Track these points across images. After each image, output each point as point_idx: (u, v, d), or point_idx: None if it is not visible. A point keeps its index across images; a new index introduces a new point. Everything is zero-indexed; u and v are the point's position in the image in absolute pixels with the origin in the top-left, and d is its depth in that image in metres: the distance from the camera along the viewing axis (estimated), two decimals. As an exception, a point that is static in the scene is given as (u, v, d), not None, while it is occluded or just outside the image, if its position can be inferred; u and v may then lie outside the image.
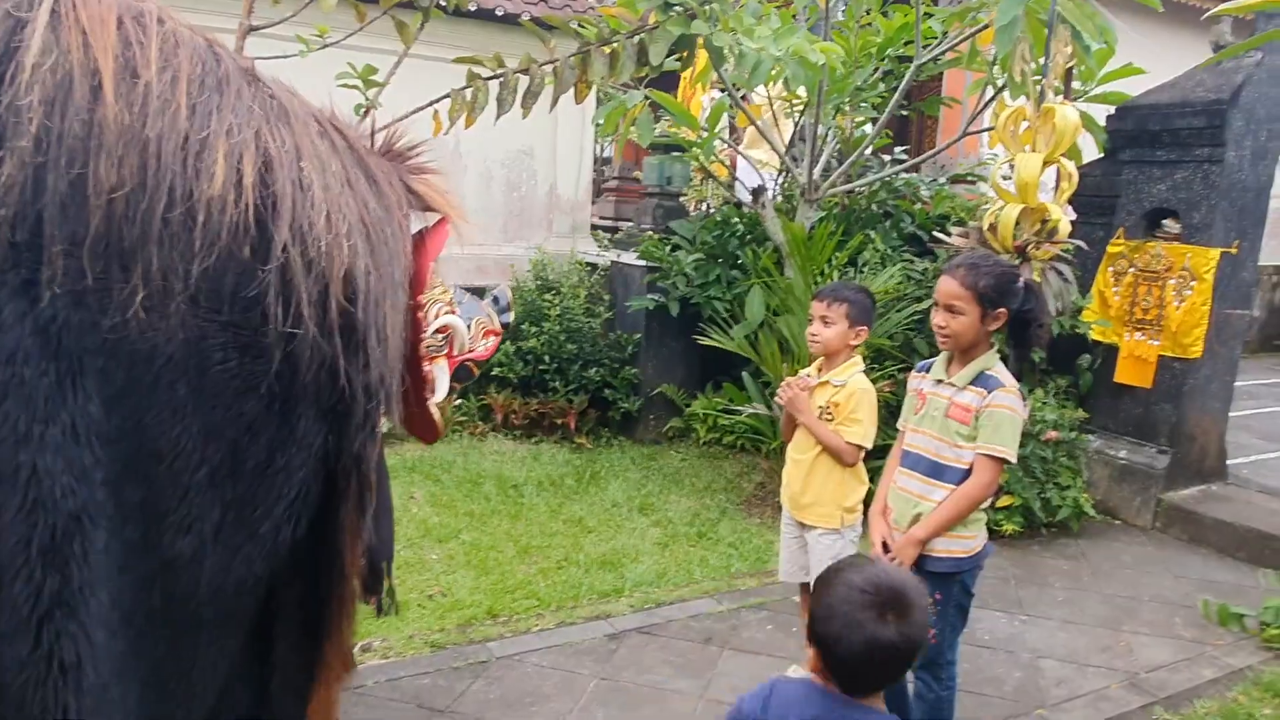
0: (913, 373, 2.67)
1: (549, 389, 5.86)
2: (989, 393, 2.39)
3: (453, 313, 1.44)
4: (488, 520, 4.50)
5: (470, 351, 1.50)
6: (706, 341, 5.15)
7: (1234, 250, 4.79)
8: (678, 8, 3.39)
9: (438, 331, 1.41)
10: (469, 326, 1.49)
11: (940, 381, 2.51)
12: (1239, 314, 5.01)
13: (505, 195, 6.77)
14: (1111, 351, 5.08)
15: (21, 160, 0.83)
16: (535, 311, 5.89)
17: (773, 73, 4.04)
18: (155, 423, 0.92)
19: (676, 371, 6.09)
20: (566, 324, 5.84)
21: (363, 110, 3.32)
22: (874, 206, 6.29)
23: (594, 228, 8.63)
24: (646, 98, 5.27)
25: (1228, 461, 5.25)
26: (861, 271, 5.16)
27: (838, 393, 2.88)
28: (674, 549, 4.30)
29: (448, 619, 3.46)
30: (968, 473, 2.41)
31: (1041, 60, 4.64)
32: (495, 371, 5.85)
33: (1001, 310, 2.38)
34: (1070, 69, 4.68)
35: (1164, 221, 5.01)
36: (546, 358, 5.79)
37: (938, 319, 2.44)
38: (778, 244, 5.48)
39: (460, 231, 1.41)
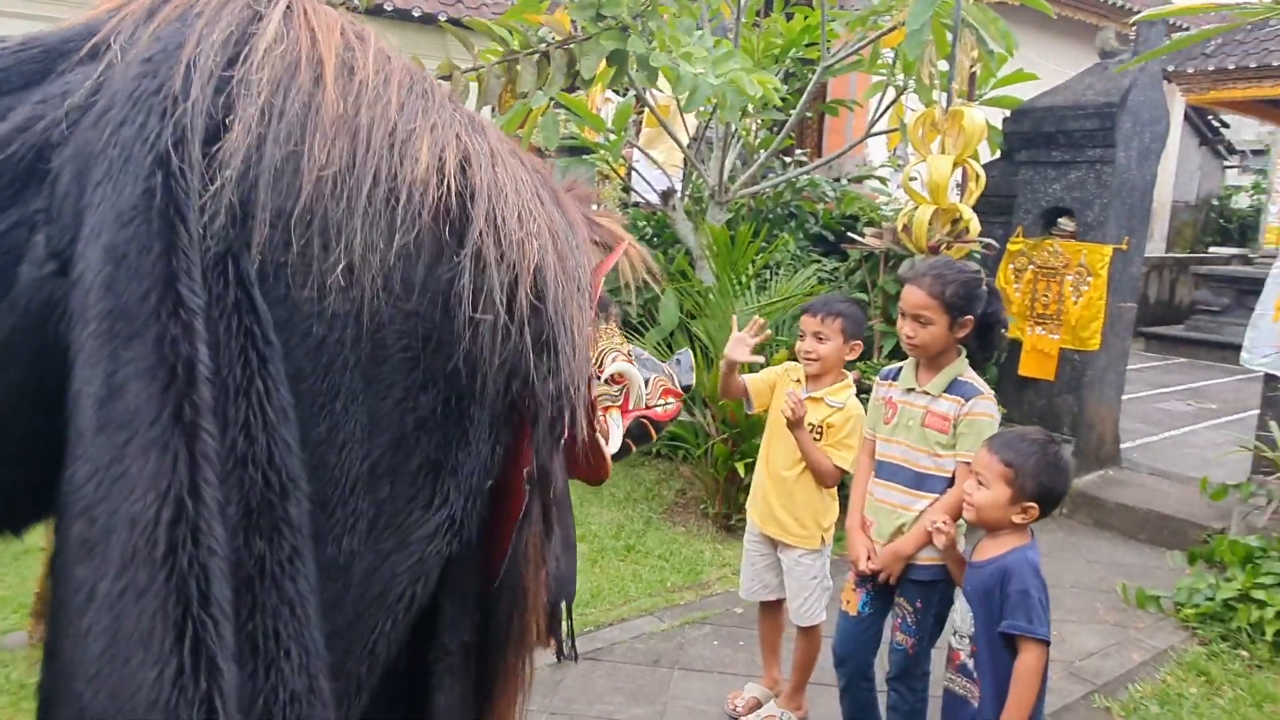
0: (878, 380, 2.61)
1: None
2: (967, 400, 2.35)
3: (629, 362, 1.39)
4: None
5: (648, 409, 1.42)
6: (626, 348, 5.03)
7: (1124, 246, 5.02)
8: (610, 19, 3.25)
9: (612, 380, 1.36)
10: (646, 383, 1.42)
11: (911, 390, 2.46)
12: (1129, 306, 5.25)
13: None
14: (1015, 346, 5.24)
15: (247, 127, 0.89)
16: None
17: (710, 98, 3.97)
18: (325, 406, 0.92)
19: (589, 379, 5.94)
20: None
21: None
22: (779, 208, 6.32)
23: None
24: (550, 99, 5.12)
25: (1120, 446, 5.51)
26: (777, 273, 5.15)
27: (834, 414, 2.75)
28: (604, 565, 4.16)
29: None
30: (950, 481, 2.37)
31: (945, 64, 4.74)
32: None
33: (969, 317, 2.35)
34: (972, 73, 4.79)
35: (1060, 220, 5.20)
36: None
37: (905, 329, 2.40)
38: (689, 247, 5.42)
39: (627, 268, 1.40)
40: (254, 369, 0.84)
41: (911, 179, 4.93)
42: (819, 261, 5.53)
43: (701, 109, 6.17)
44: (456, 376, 0.98)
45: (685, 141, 6.03)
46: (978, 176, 4.70)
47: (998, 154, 5.52)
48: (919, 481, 2.42)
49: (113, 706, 0.71)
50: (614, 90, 6.71)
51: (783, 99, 6.10)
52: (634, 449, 1.48)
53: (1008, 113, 5.29)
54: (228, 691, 0.75)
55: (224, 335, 0.83)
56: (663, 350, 5.02)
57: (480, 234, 0.99)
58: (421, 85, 1.06)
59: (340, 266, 0.90)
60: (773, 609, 2.99)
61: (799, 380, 2.87)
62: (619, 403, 1.39)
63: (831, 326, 2.72)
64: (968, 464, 2.29)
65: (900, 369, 2.55)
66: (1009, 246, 5.32)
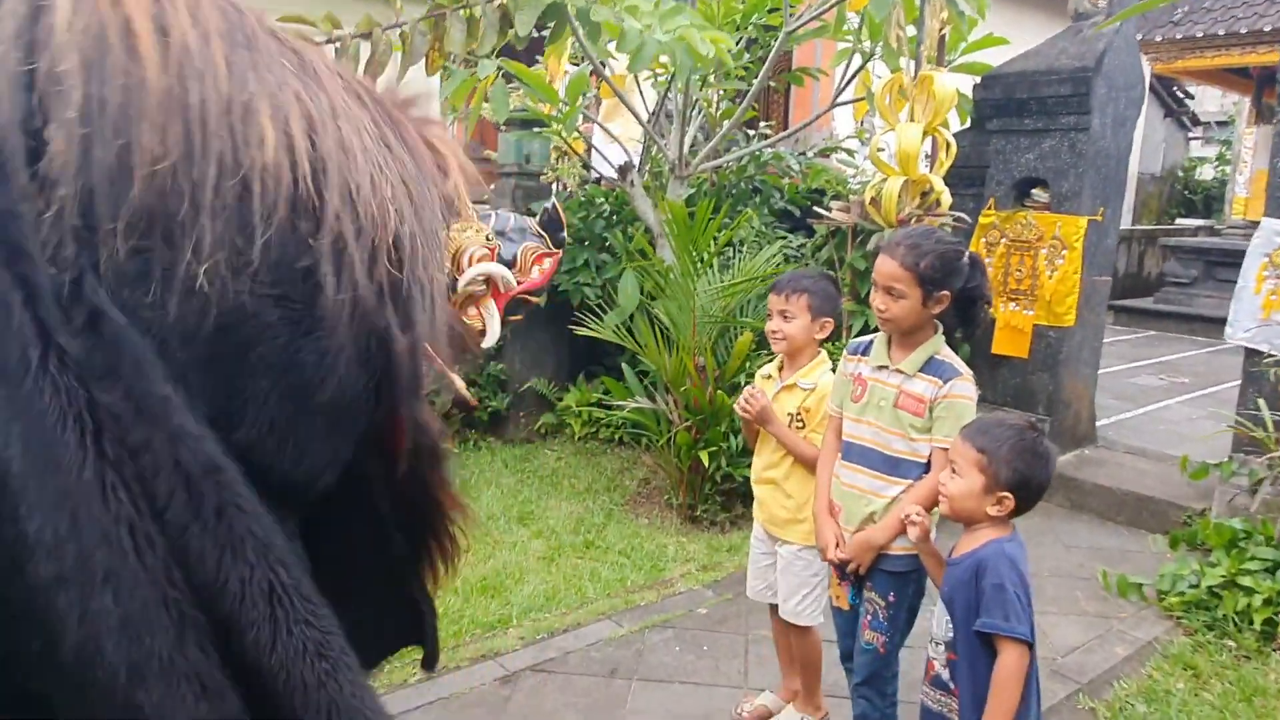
0: (845, 354, 2.39)
1: (408, 391, 5.32)
2: (944, 382, 2.15)
3: (491, 253, 1.35)
4: (347, 547, 3.97)
5: (520, 285, 1.40)
6: (583, 331, 4.77)
7: (1100, 218, 4.83)
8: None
9: (478, 280, 1.33)
10: (516, 257, 1.40)
11: (883, 368, 2.24)
12: (1104, 280, 5.08)
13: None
14: (988, 323, 5.04)
15: (69, 132, 0.76)
16: (387, 307, 5.32)
17: (657, 57, 3.70)
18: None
19: (546, 364, 5.68)
20: (424, 319, 5.30)
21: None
22: (743, 183, 6.07)
23: (444, 212, 8.06)
24: (499, 69, 4.81)
25: (1096, 424, 5.36)
26: (740, 250, 4.90)
27: (808, 396, 2.56)
28: (561, 563, 3.92)
29: (306, 677, 2.94)
30: (926, 466, 2.16)
31: (913, 28, 4.50)
32: (345, 375, 5.26)
33: (945, 292, 2.14)
34: (941, 37, 4.56)
35: (1033, 191, 5.00)
36: (403, 357, 5.23)
37: (877, 301, 2.18)
38: (649, 224, 5.16)
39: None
40: (138, 393, 0.79)
41: (879, 150, 4.70)
42: (784, 238, 5.29)
43: (659, 77, 5.89)
44: (329, 354, 0.88)
45: (644, 115, 5.75)
46: (948, 146, 4.48)
47: (968, 123, 5.31)
48: (892, 466, 2.22)
49: (137, 675, 0.76)
50: (572, 62, 6.41)
51: (744, 68, 5.85)
52: (519, 321, 1.49)
53: (978, 79, 5.07)
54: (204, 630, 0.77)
55: (99, 363, 0.78)
56: (621, 334, 4.77)
57: (337, 215, 0.85)
58: (242, 32, 0.91)
59: (192, 272, 0.79)
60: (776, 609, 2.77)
61: (769, 376, 2.66)
62: (488, 292, 1.36)
63: (797, 303, 2.51)
64: (945, 450, 2.08)
65: (870, 343, 2.33)
66: (980, 219, 5.11)
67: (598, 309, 5.21)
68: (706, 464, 4.22)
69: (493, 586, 3.63)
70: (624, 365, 5.00)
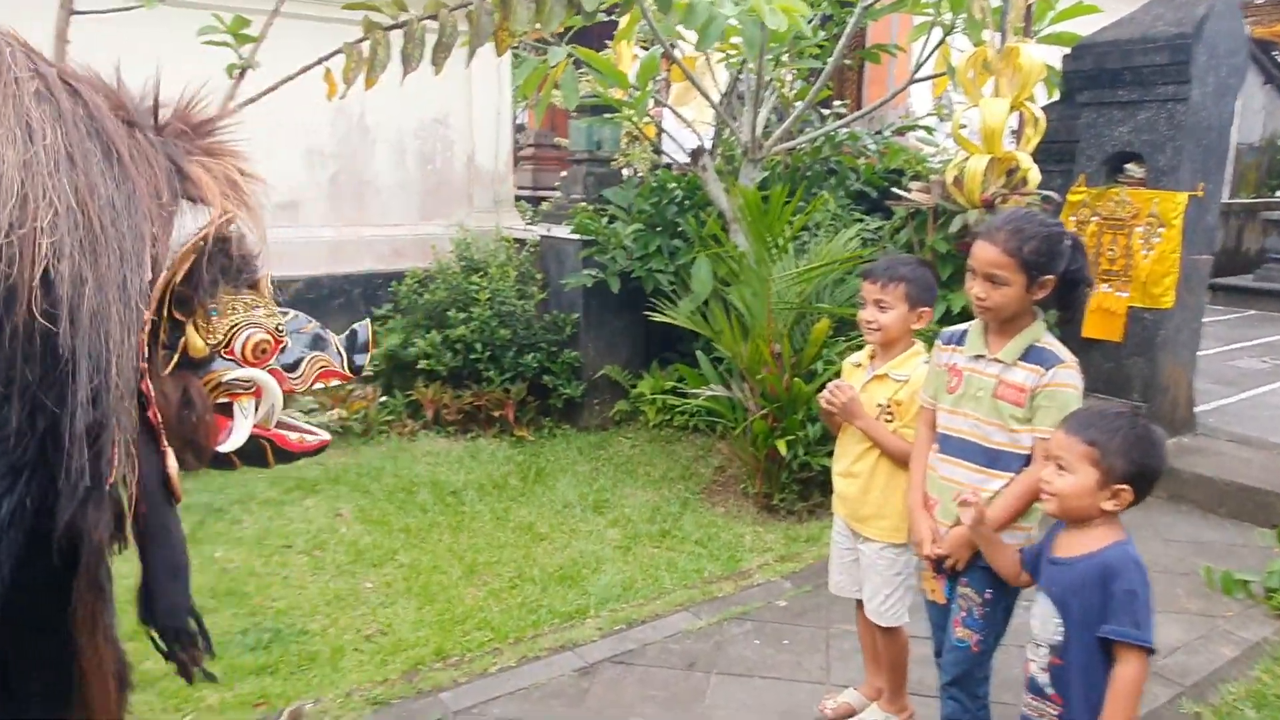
0: (939, 344, 2.30)
1: (483, 379, 5.37)
2: (1047, 370, 2.05)
3: (276, 344, 1.17)
4: (426, 535, 4.02)
5: (278, 428, 1.22)
6: (658, 318, 4.72)
7: (1200, 193, 4.57)
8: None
9: (244, 383, 1.15)
10: (300, 364, 1.21)
11: (980, 357, 2.15)
12: (1205, 259, 4.81)
13: (420, 169, 6.18)
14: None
15: None
16: (462, 296, 5.36)
17: (726, 34, 3.61)
18: None
19: (620, 351, 5.66)
20: (498, 307, 5.34)
21: (237, 71, 2.77)
22: (817, 164, 5.93)
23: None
24: (570, 55, 4.78)
25: (1195, 410, 5.10)
26: (816, 235, 4.79)
27: (900, 389, 2.45)
28: (637, 552, 3.90)
29: (391, 665, 2.99)
30: (1027, 459, 2.07)
31: (997, -2, 4.31)
32: (422, 364, 5.33)
33: (1050, 277, 2.03)
34: (1028, 6, 4.36)
35: (1127, 166, 4.76)
36: (478, 345, 5.28)
37: (976, 289, 2.08)
38: (722, 209, 5.08)
39: (253, 230, 1.13)
40: None
41: (962, 126, 4.53)
42: (861, 220, 5.15)
43: (730, 58, 5.78)
44: None
45: (716, 97, 5.66)
46: (1036, 121, 4.29)
47: (1056, 96, 5.08)
48: (991, 459, 2.13)
49: None
50: (642, 46, 6.35)
51: (819, 46, 5.70)
52: (238, 465, 1.28)
53: (1067, 50, 4.84)
54: None
55: None
56: (695, 320, 4.72)
57: None
58: None
59: None
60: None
61: (859, 364, 2.57)
62: (252, 389, 1.18)
63: (894, 292, 2.41)
64: (1046, 440, 1.99)
65: (964, 331, 2.24)
66: (1069, 197, 4.89)
67: (671, 295, 5.16)
68: (784, 453, 4.14)
69: (570, 576, 3.63)
70: (698, 352, 4.94)
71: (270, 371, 1.16)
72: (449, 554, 3.83)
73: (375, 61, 2.63)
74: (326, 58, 2.64)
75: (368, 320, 1.35)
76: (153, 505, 0.96)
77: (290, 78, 2.73)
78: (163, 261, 0.90)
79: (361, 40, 2.62)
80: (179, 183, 0.93)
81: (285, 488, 4.49)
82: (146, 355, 0.94)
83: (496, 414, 5.35)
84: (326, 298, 5.64)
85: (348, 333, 1.29)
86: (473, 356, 5.30)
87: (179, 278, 0.97)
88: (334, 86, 2.70)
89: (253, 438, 1.16)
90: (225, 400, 1.12)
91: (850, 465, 2.55)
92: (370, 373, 5.47)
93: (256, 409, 1.15)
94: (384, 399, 5.42)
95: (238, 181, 1.03)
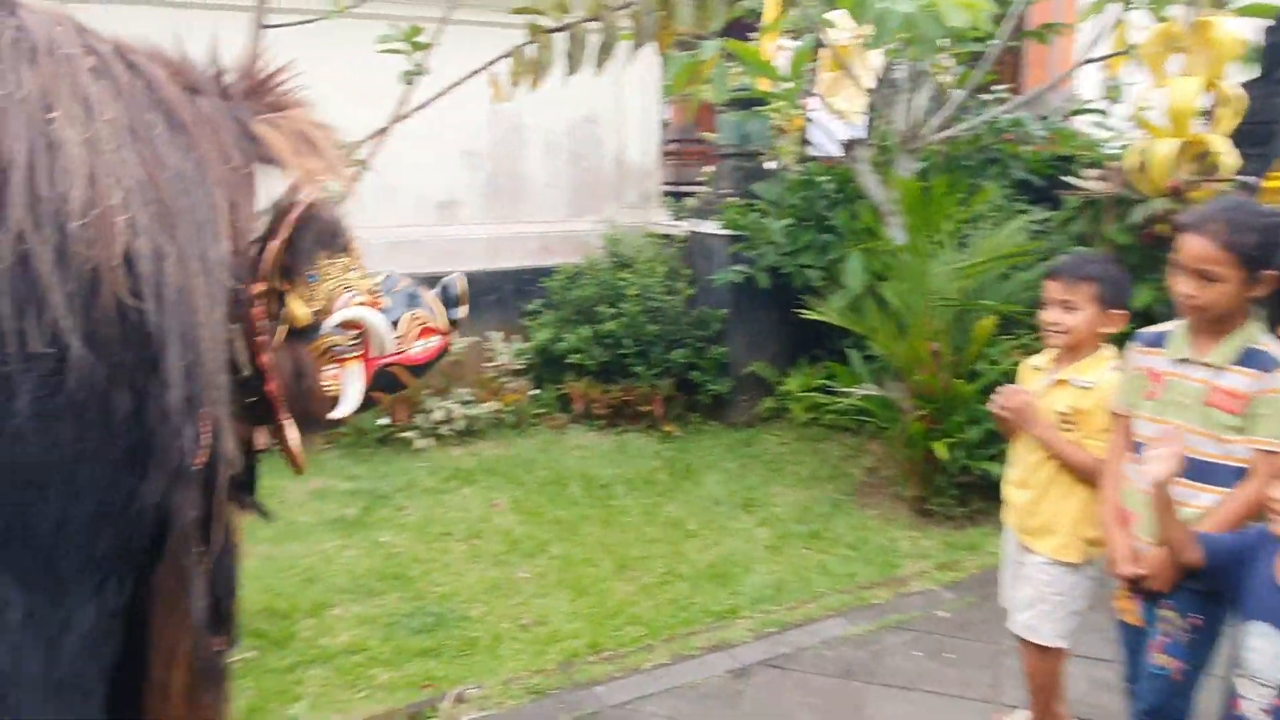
0: (1137, 345, 2.13)
1: (631, 374, 5.42)
2: (1266, 373, 1.87)
3: (373, 304, 1.12)
4: (578, 528, 4.10)
5: (400, 354, 1.19)
6: (811, 315, 4.62)
7: None
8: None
9: (346, 326, 1.10)
10: (398, 323, 1.18)
11: (1185, 360, 1.98)
12: None
13: (571, 167, 6.30)
14: None
15: None
16: (612, 292, 5.43)
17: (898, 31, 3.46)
18: None
19: (767, 348, 5.59)
20: (646, 303, 5.37)
21: (409, 78, 2.89)
22: (977, 153, 5.66)
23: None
24: (721, 49, 4.73)
25: None
26: (978, 227, 4.57)
27: (1084, 396, 2.28)
28: (788, 553, 3.84)
29: (547, 655, 3.06)
30: (1241, 472, 1.89)
31: (1188, -34, 3.97)
32: (572, 359, 5.43)
33: (1271, 272, 1.85)
34: (1223, -25, 4.00)
35: (1338, 147, 4.30)
36: (627, 341, 5.33)
37: (1183, 287, 1.91)
38: (875, 202, 4.92)
39: (331, 187, 1.06)
40: None
41: (1145, 108, 4.20)
42: (1026, 211, 4.87)
43: (889, 46, 5.59)
44: (40, 425, 0.74)
45: (869, 85, 5.48)
46: (1231, 100, 3.93)
47: (1254, 74, 4.64)
48: (1201, 472, 1.94)
49: None
50: (790, 36, 6.23)
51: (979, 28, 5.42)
52: (381, 400, 1.25)
53: (1272, 21, 4.41)
54: None
55: None
56: (847, 317, 4.59)
57: (21, 236, 0.70)
58: None
59: None
60: None
61: (1039, 367, 2.42)
62: (358, 351, 1.13)
63: (1083, 293, 2.24)
64: (1269, 453, 1.81)
65: (1164, 333, 2.06)
66: (1265, 183, 4.45)
67: (821, 291, 5.05)
68: (943, 456, 3.98)
69: (720, 574, 3.61)
70: (850, 350, 4.82)
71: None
72: (600, 547, 3.89)
73: (540, 64, 2.68)
74: (493, 62, 2.72)
75: (458, 274, 1.31)
76: (225, 492, 0.93)
77: (460, 82, 2.82)
78: (247, 228, 0.87)
79: (527, 44, 2.68)
80: (248, 145, 0.89)
81: (444, 476, 4.68)
82: (261, 327, 0.93)
83: (644, 409, 5.39)
84: (482, 293, 5.82)
85: (440, 287, 1.29)
86: (621, 352, 5.36)
87: (282, 243, 0.95)
88: (499, 91, 2.78)
89: (383, 368, 1.16)
90: (334, 365, 1.11)
91: (1024, 475, 2.40)
92: (522, 366, 5.63)
93: (366, 351, 1.14)
94: (535, 392, 5.56)
95: (310, 135, 0.96)
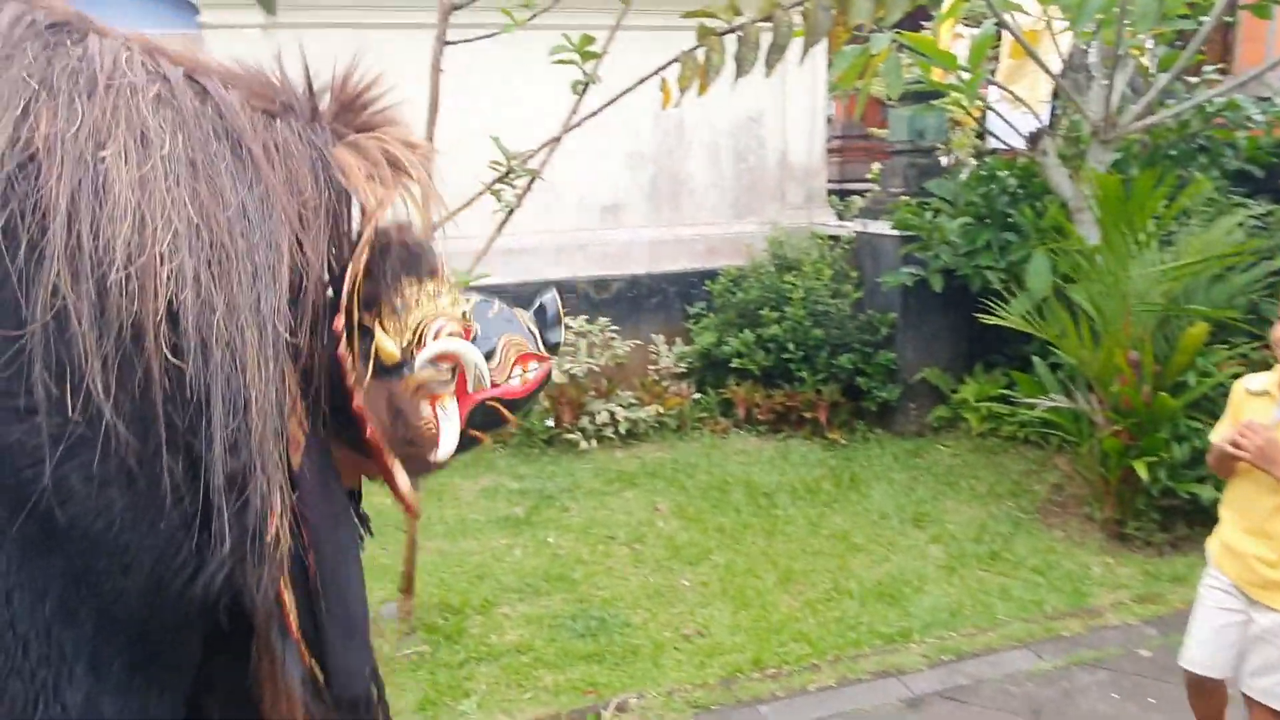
0: None
1: (795, 379, 5.28)
2: None
3: (466, 333, 1.01)
4: (740, 537, 4.02)
5: (497, 386, 1.04)
6: (991, 320, 4.35)
7: None
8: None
9: (438, 360, 0.98)
10: (494, 352, 1.04)
11: None
12: None
13: (734, 168, 6.22)
14: None
15: None
16: (776, 295, 5.31)
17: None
18: None
19: (940, 354, 5.31)
20: (811, 306, 5.22)
21: (580, 87, 2.90)
22: (1183, 142, 5.15)
23: (823, 193, 7.90)
24: (894, 41, 4.52)
25: None
26: (1186, 224, 4.15)
27: None
28: (963, 574, 3.61)
29: (709, 668, 3.01)
30: None
31: None
32: (735, 363, 5.36)
33: None
34: None
35: None
36: (791, 345, 5.21)
37: None
38: (1064, 198, 4.57)
39: (425, 207, 0.96)
40: None
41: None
42: (1244, 205, 4.39)
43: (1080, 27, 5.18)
44: (62, 497, 0.67)
45: (1057, 70, 5.10)
46: None
47: None
48: None
49: None
50: (967, 24, 5.90)
51: (1189, 3, 4.93)
52: (484, 440, 1.09)
53: None
54: None
55: None
56: (1032, 321, 4.28)
57: (55, 290, 0.64)
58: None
59: None
60: (1214, 686, 2.27)
61: (1263, 392, 2.12)
62: (451, 388, 1.01)
63: None
64: None
65: None
66: None
67: (1001, 294, 4.74)
68: (1143, 476, 3.63)
69: (889, 594, 3.44)
70: (1034, 357, 4.49)
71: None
72: (763, 558, 3.80)
73: (710, 67, 2.63)
74: (663, 67, 2.68)
75: (554, 290, 1.17)
76: (324, 551, 0.84)
77: (631, 88, 2.81)
78: (312, 266, 0.80)
79: (696, 48, 2.63)
80: (326, 172, 0.82)
81: (607, 479, 4.72)
82: (350, 368, 0.86)
83: (808, 415, 5.24)
84: (644, 296, 5.86)
85: (535, 307, 1.15)
86: (785, 356, 5.24)
87: (360, 276, 0.87)
88: (669, 96, 2.74)
89: (480, 404, 1.05)
90: (427, 404, 1.01)
91: (1257, 522, 2.10)
92: (684, 370, 5.61)
93: (461, 386, 1.03)
94: (697, 396, 5.52)
95: (395, 156, 0.88)
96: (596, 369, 5.26)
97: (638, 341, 5.50)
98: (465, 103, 4.53)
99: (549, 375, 1.10)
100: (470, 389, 0.99)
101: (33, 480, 0.65)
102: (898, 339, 5.26)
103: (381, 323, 0.91)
